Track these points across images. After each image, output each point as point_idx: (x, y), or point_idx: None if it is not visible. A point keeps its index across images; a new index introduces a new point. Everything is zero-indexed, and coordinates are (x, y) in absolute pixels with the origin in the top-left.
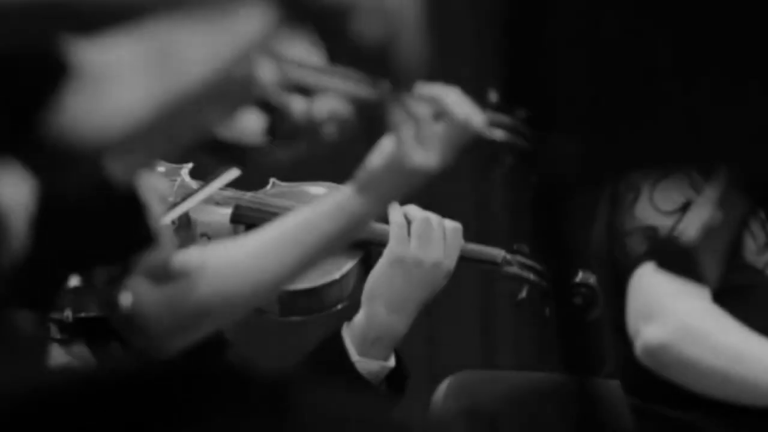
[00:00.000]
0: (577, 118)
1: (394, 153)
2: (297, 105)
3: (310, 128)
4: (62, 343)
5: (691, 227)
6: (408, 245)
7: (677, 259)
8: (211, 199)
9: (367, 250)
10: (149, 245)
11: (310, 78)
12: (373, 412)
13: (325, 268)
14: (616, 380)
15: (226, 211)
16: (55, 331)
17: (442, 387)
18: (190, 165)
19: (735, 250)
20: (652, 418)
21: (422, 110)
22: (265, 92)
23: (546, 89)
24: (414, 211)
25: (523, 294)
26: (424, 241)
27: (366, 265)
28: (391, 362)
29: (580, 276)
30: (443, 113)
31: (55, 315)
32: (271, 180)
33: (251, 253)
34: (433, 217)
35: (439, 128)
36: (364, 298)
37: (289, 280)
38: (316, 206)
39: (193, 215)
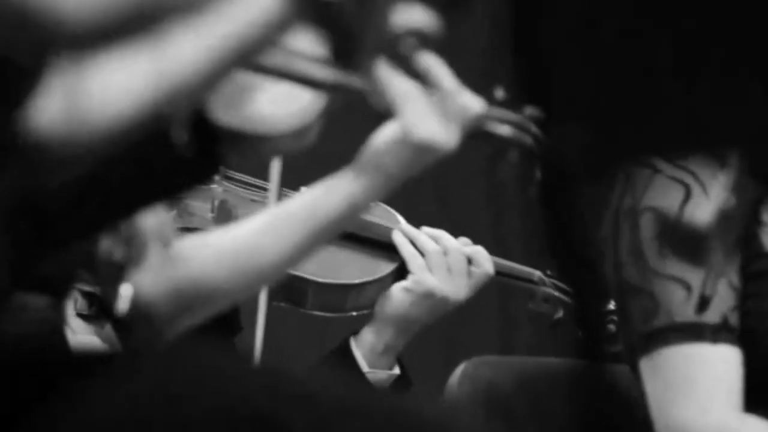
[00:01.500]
0: (583, 109)
1: (399, 128)
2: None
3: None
4: (89, 318)
5: (704, 213)
6: (428, 276)
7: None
8: (247, 196)
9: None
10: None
11: None
12: (390, 398)
13: (366, 268)
14: (625, 364)
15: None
16: (83, 306)
17: (457, 372)
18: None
19: (750, 237)
20: None
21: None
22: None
23: (551, 82)
24: (428, 243)
25: (560, 314)
26: (441, 274)
27: (400, 275)
28: (396, 370)
29: (612, 304)
30: (437, 86)
31: (87, 288)
32: (302, 189)
33: (251, 236)
34: (454, 249)
35: (441, 103)
36: (378, 314)
37: (292, 262)
38: (318, 188)
39: (233, 208)
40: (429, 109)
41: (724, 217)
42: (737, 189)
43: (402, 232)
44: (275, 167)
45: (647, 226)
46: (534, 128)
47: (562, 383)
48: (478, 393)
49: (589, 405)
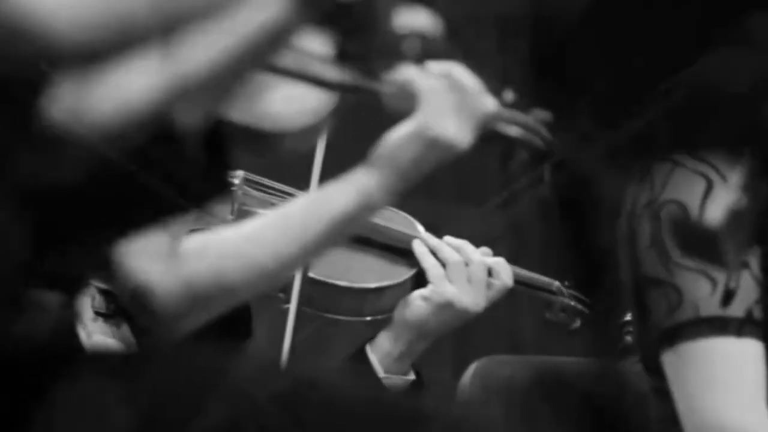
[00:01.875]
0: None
1: (414, 124)
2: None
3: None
4: (106, 317)
5: (715, 211)
6: (448, 286)
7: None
8: (267, 201)
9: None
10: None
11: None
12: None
13: (385, 273)
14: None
15: None
16: (101, 304)
17: (469, 372)
18: (241, 173)
19: (766, 232)
20: (670, 395)
21: (441, 83)
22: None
23: (565, 85)
24: (449, 254)
25: (577, 324)
26: (461, 285)
27: (419, 281)
28: (411, 375)
29: (629, 316)
30: (457, 86)
31: (105, 286)
32: None
33: (257, 232)
34: (476, 260)
35: (457, 100)
36: (396, 321)
37: (303, 258)
38: (331, 184)
39: (253, 211)
40: (447, 106)
41: (735, 215)
42: (750, 187)
43: (423, 241)
44: (318, 159)
45: (669, 219)
46: (543, 130)
47: (576, 382)
48: (491, 392)
49: (603, 403)
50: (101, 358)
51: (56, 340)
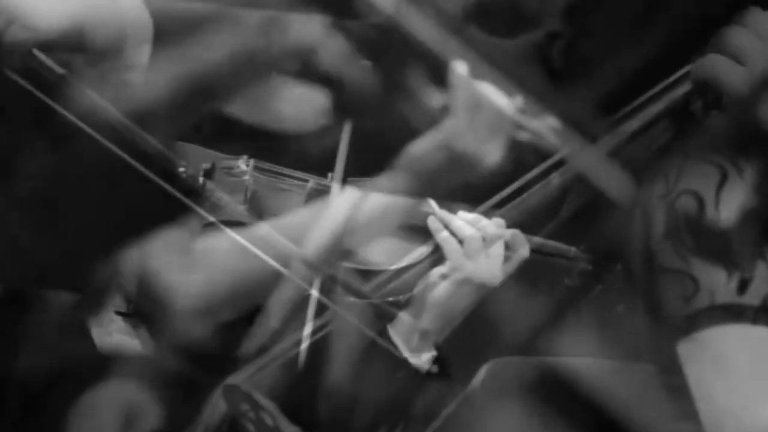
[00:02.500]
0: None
1: (439, 135)
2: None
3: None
4: (126, 317)
5: (730, 202)
6: (466, 262)
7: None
8: (277, 185)
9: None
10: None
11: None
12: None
13: (402, 253)
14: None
15: (299, 199)
16: (121, 304)
17: (481, 373)
18: (251, 161)
19: None
20: (684, 393)
21: (469, 99)
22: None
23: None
24: (465, 229)
25: (597, 289)
26: (478, 259)
27: (437, 259)
28: (434, 351)
29: None
30: (486, 103)
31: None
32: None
33: (259, 237)
34: (492, 234)
35: (484, 117)
36: (416, 299)
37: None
38: (350, 190)
39: (264, 198)
40: (473, 122)
41: (750, 209)
42: (762, 185)
43: (438, 217)
44: (340, 159)
45: (684, 209)
46: (552, 135)
47: (588, 382)
48: (503, 393)
49: (614, 403)
50: (109, 358)
51: (64, 338)
